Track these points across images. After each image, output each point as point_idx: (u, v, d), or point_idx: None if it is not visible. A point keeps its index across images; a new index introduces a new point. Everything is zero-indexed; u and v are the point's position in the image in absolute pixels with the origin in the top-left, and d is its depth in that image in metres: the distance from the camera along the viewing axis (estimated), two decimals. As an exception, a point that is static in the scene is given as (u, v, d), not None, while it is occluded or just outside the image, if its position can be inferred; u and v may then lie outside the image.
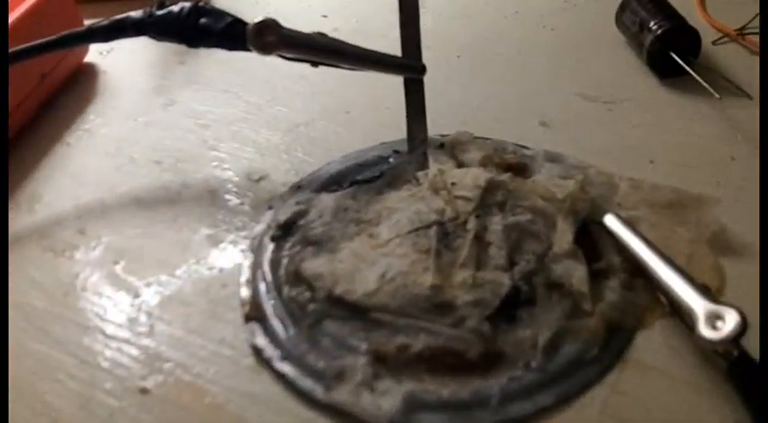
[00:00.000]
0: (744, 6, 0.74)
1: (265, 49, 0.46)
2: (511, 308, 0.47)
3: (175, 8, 0.52)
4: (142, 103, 0.71)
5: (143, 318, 0.51)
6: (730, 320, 0.41)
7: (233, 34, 0.50)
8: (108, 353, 0.49)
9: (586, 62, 0.71)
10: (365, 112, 0.67)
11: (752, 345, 0.42)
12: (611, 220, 0.51)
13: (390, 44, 0.56)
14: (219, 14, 0.52)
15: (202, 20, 0.51)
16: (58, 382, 0.47)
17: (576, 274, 0.47)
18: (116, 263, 0.55)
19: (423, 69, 0.57)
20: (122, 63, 0.77)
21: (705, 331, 0.42)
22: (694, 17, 0.74)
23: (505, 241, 0.49)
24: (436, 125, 0.60)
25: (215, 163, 0.63)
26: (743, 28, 0.72)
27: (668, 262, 0.47)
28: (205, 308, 0.51)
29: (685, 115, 0.64)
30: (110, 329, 0.50)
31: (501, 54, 0.74)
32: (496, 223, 0.49)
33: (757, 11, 0.73)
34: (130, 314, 0.51)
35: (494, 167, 0.55)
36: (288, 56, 0.49)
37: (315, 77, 0.56)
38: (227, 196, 0.59)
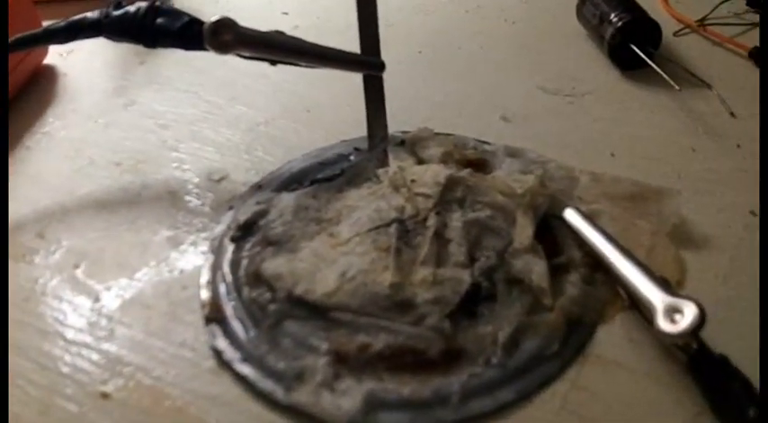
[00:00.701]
0: (704, -1, 0.75)
1: (222, 48, 0.45)
2: (471, 304, 0.46)
3: (132, 8, 0.51)
4: (102, 104, 0.71)
5: (103, 322, 0.50)
6: (689, 313, 0.41)
7: (190, 34, 0.50)
8: (68, 358, 0.48)
9: (548, 55, 0.72)
10: (326, 109, 0.67)
11: (712, 337, 0.43)
12: (570, 215, 0.51)
13: (351, 40, 0.56)
14: (176, 14, 0.51)
15: (159, 20, 0.51)
16: (18, 388, 0.46)
17: (535, 269, 0.47)
18: (76, 267, 0.54)
19: (382, 66, 0.57)
20: (82, 64, 0.77)
21: (664, 325, 0.42)
22: (656, 9, 0.75)
23: (465, 238, 0.49)
24: (398, 121, 0.60)
25: (175, 164, 0.62)
26: (703, 19, 0.73)
27: (627, 255, 0.47)
28: (165, 310, 0.50)
29: (646, 107, 0.64)
30: (70, 334, 0.50)
31: (463, 49, 0.74)
32: (456, 220, 0.49)
33: (718, 1, 0.74)
34: (90, 318, 0.50)
35: (454, 164, 0.55)
36: (246, 55, 0.49)
37: (276, 76, 0.56)
38: (188, 197, 0.59)
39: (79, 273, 0.54)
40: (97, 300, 0.52)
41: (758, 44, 0.68)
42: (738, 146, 0.59)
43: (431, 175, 0.52)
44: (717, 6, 0.74)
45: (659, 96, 0.64)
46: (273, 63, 0.52)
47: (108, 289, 0.52)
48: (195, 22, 0.50)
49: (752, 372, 0.42)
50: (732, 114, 0.62)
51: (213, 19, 0.44)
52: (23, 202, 0.60)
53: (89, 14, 0.53)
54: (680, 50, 0.70)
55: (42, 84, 0.75)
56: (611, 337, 0.46)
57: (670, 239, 0.51)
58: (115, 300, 0.52)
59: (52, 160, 0.64)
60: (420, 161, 0.57)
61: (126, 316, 0.50)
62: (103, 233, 0.57)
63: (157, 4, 0.51)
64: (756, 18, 0.73)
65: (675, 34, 0.72)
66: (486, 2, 0.80)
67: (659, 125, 0.62)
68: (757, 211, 0.53)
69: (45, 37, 0.56)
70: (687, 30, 0.73)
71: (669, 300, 0.42)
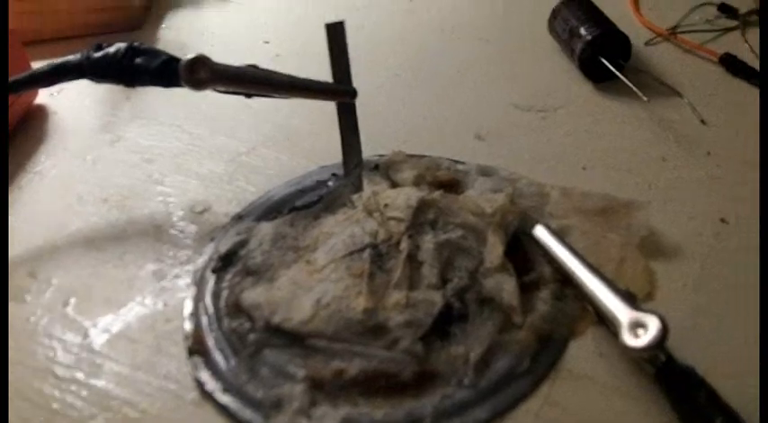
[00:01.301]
0: (676, 5, 0.76)
1: (198, 85, 0.46)
2: (444, 325, 0.48)
3: (111, 49, 0.53)
4: (90, 141, 0.72)
5: (92, 358, 0.52)
6: (652, 327, 0.42)
7: (167, 72, 0.51)
8: (58, 394, 0.50)
9: (522, 72, 0.73)
10: (306, 137, 0.68)
11: (682, 347, 0.44)
12: (540, 232, 0.52)
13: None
14: (154, 53, 0.52)
15: (137, 59, 0.52)
16: (10, 427, 0.48)
17: (506, 287, 0.48)
18: (66, 304, 0.56)
19: (354, 94, 0.58)
20: (72, 102, 0.78)
21: (628, 339, 0.43)
22: (628, 18, 0.76)
23: (437, 259, 0.50)
24: (377, 145, 0.61)
25: (160, 197, 0.64)
26: (675, 27, 0.74)
27: (594, 272, 0.48)
28: (151, 343, 0.52)
29: (618, 119, 0.65)
30: (60, 371, 0.51)
31: (439, 70, 0.75)
32: (428, 242, 0.50)
33: (689, 8, 0.75)
34: (80, 355, 0.52)
35: (426, 185, 0.56)
36: (221, 90, 0.50)
37: (257, 106, 0.57)
38: (172, 230, 0.60)
39: (69, 310, 0.55)
40: (86, 336, 0.53)
41: (728, 51, 0.69)
42: (709, 153, 0.60)
43: (403, 198, 0.53)
44: (688, 14, 0.74)
45: (631, 107, 0.65)
46: (249, 96, 0.54)
47: (96, 325, 0.54)
48: (172, 61, 0.51)
49: (722, 380, 0.43)
50: (702, 122, 0.62)
51: (188, 57, 0.46)
52: (16, 242, 0.61)
53: (71, 58, 0.54)
54: (652, 60, 0.70)
55: (34, 123, 0.76)
56: (582, 351, 0.47)
57: (640, 251, 0.52)
58: (103, 335, 0.53)
59: (43, 199, 0.66)
60: (394, 184, 0.58)
61: (113, 351, 0.52)
62: (92, 269, 0.58)
63: (135, 44, 0.53)
64: (728, 23, 0.74)
65: (647, 43, 0.73)
66: (462, 22, 0.81)
67: (630, 136, 0.63)
68: (727, 218, 0.54)
69: (30, 82, 0.58)
70: (659, 39, 0.73)
71: (633, 314, 0.44)
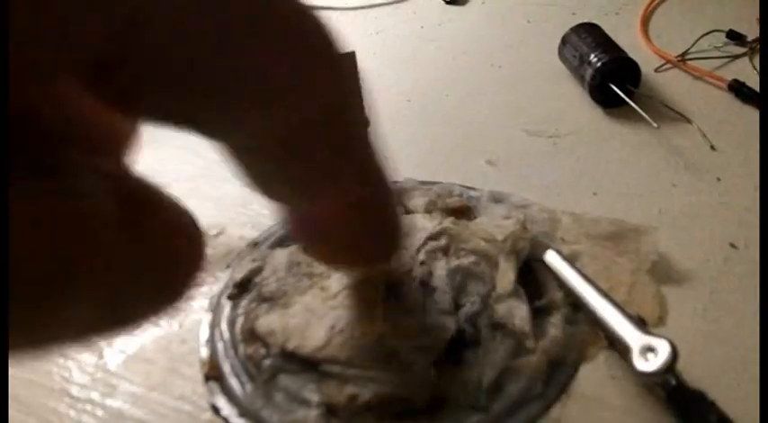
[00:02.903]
0: (686, 32, 0.77)
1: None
2: (456, 350, 0.48)
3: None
4: (105, 165, 0.73)
5: (106, 377, 0.52)
6: (662, 352, 0.43)
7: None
8: (73, 414, 0.50)
9: (532, 97, 0.73)
10: (319, 161, 0.68)
11: (693, 371, 0.44)
12: (551, 257, 0.52)
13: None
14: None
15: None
16: (26, 448, 0.49)
17: (517, 313, 0.49)
18: (81, 325, 0.56)
19: (366, 123, 0.59)
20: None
21: (639, 364, 0.43)
22: (638, 45, 0.76)
23: (450, 285, 0.50)
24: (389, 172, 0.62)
25: (174, 221, 0.64)
26: (684, 53, 0.74)
27: (604, 296, 0.48)
28: (165, 365, 0.52)
29: (628, 144, 0.65)
30: (75, 391, 0.52)
31: (450, 96, 0.76)
32: (441, 268, 0.51)
33: (699, 35, 0.76)
34: (95, 375, 0.53)
35: (438, 212, 0.57)
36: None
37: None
38: (187, 254, 0.61)
39: (84, 331, 0.56)
40: (101, 357, 0.54)
41: (737, 78, 0.69)
42: (719, 179, 0.60)
43: (415, 226, 0.54)
44: (697, 40, 0.75)
45: (641, 133, 0.66)
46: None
47: (111, 345, 0.54)
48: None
49: (732, 405, 0.43)
50: (712, 148, 0.63)
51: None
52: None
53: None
54: (661, 86, 0.71)
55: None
56: (594, 375, 0.48)
57: (650, 276, 0.52)
58: (118, 355, 0.54)
59: (58, 222, 0.67)
60: (406, 211, 0.58)
61: (128, 371, 0.53)
62: (108, 291, 0.59)
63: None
64: (736, 50, 0.75)
65: (657, 70, 0.74)
66: (472, 48, 0.82)
67: (640, 162, 0.63)
68: (737, 243, 0.55)
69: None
70: (668, 65, 0.74)
71: (644, 339, 0.44)
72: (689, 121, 0.65)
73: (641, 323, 0.46)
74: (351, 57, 0.58)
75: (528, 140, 0.68)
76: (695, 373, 0.45)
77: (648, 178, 0.62)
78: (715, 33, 0.76)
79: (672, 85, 0.72)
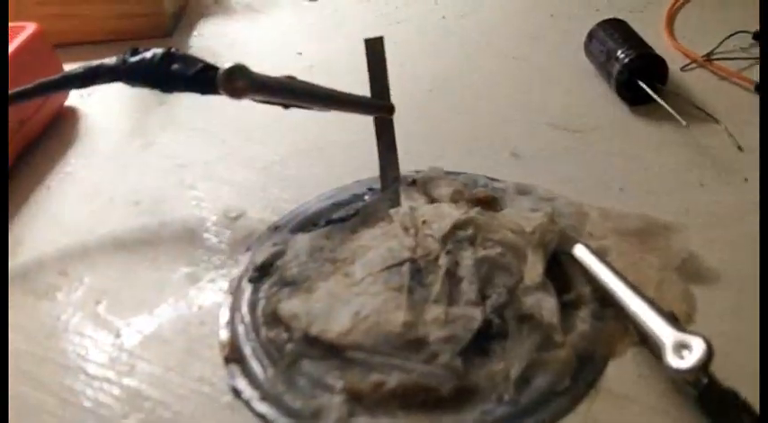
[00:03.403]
0: (712, 32, 0.76)
1: (236, 93, 0.46)
2: (483, 341, 0.47)
3: (148, 54, 0.53)
4: (122, 145, 0.72)
5: (124, 357, 0.51)
6: (697, 349, 0.42)
7: (204, 80, 0.51)
8: (90, 392, 0.49)
9: (556, 92, 0.73)
10: (339, 148, 0.68)
11: (722, 371, 0.43)
12: (580, 251, 0.52)
13: (364, 79, 0.57)
14: (191, 60, 0.52)
15: (174, 66, 0.52)
16: (41, 423, 0.48)
17: (546, 305, 0.48)
18: (97, 303, 0.55)
19: (391, 109, 0.58)
20: (103, 105, 0.78)
21: (672, 361, 0.42)
22: (662, 44, 0.76)
23: (476, 276, 0.49)
24: (410, 160, 0.61)
25: (193, 202, 0.64)
26: (710, 53, 0.74)
27: (636, 292, 0.47)
28: (184, 346, 0.52)
29: (654, 142, 0.65)
30: (91, 369, 0.51)
31: (472, 87, 0.75)
32: (467, 258, 0.50)
33: (724, 36, 0.75)
34: (112, 354, 0.52)
35: (464, 202, 0.56)
36: (259, 99, 0.50)
37: (289, 116, 0.57)
38: (206, 235, 0.60)
39: (100, 309, 0.55)
40: (118, 335, 0.53)
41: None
42: (746, 179, 0.60)
43: (441, 214, 0.53)
44: (723, 41, 0.74)
45: (667, 131, 0.65)
46: (286, 107, 0.53)
47: (128, 325, 0.54)
48: (210, 68, 0.51)
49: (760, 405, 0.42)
50: (739, 148, 0.62)
51: (227, 65, 0.46)
52: (46, 241, 0.62)
53: (107, 61, 0.54)
54: (687, 85, 0.70)
55: (64, 125, 0.76)
56: (622, 371, 0.47)
57: (678, 274, 0.51)
58: (135, 335, 0.53)
59: (73, 200, 0.66)
60: (432, 200, 0.58)
61: (146, 351, 0.52)
62: (123, 271, 0.58)
63: (173, 50, 0.53)
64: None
65: (682, 69, 0.73)
66: (495, 40, 0.82)
67: (667, 160, 0.63)
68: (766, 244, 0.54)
69: (63, 83, 0.57)
70: (694, 65, 0.73)
71: (677, 336, 0.43)
72: (716, 120, 0.64)
73: (674, 320, 0.45)
74: (378, 42, 0.57)
75: (552, 134, 0.67)
76: (722, 374, 0.44)
77: (676, 177, 0.61)
78: (741, 34, 0.76)
79: (698, 84, 0.71)
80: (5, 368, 0.48)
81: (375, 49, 0.57)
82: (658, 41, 0.74)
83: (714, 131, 0.64)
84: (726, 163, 0.61)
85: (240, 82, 0.46)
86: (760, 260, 0.52)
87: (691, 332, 0.43)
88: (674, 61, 0.73)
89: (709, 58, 0.74)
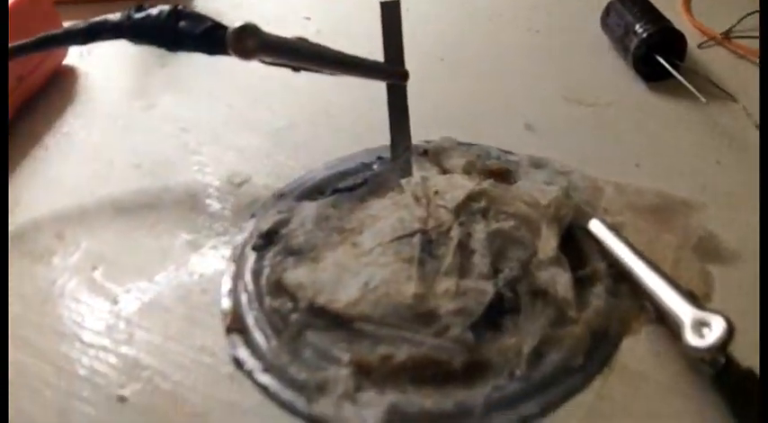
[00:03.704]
0: (729, 9, 0.75)
1: (245, 54, 0.44)
2: (495, 316, 0.46)
3: (154, 11, 0.51)
4: (122, 106, 0.71)
5: (121, 325, 0.50)
6: (717, 328, 0.41)
7: (212, 39, 0.49)
8: (86, 361, 0.48)
9: (571, 65, 0.71)
10: (348, 114, 0.67)
11: (739, 351, 0.42)
12: (596, 226, 0.50)
13: (373, 45, 0.56)
14: (199, 18, 0.50)
15: (181, 23, 0.50)
16: (34, 391, 0.46)
17: (560, 280, 0.47)
18: (94, 268, 0.54)
19: (405, 76, 0.56)
20: (103, 65, 0.77)
21: (691, 339, 0.41)
22: (680, 20, 0.74)
23: (489, 248, 0.48)
24: (421, 130, 0.59)
25: (196, 167, 0.62)
26: (728, 31, 0.72)
27: (654, 268, 0.46)
28: (185, 314, 0.50)
29: (671, 119, 0.63)
30: (88, 337, 0.49)
31: (485, 57, 0.73)
32: (480, 231, 0.49)
33: (743, 14, 0.73)
34: (109, 321, 0.50)
35: (477, 174, 0.55)
36: (268, 61, 0.48)
37: (297, 80, 0.55)
38: (208, 201, 0.58)
39: (97, 275, 0.54)
40: (115, 302, 0.51)
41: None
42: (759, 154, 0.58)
43: (454, 185, 0.52)
44: (742, 19, 0.73)
45: (684, 108, 0.64)
46: (296, 70, 0.52)
47: (127, 292, 0.52)
48: (218, 27, 0.50)
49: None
50: (758, 127, 0.61)
51: (237, 24, 0.44)
52: (42, 201, 0.60)
53: (110, 17, 0.52)
54: (704, 63, 0.69)
55: (62, 84, 0.74)
56: (637, 349, 0.46)
57: (695, 253, 0.50)
58: (134, 303, 0.51)
59: (71, 161, 0.64)
60: (443, 171, 0.56)
61: (144, 319, 0.50)
62: (122, 235, 0.56)
63: (180, 7, 0.51)
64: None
65: (700, 46, 0.71)
66: (509, 11, 0.80)
67: (684, 137, 0.61)
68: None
69: (65, 38, 0.56)
70: (711, 42, 0.72)
71: (697, 314, 0.42)
72: (734, 99, 0.63)
73: (693, 297, 0.44)
74: (395, 5, 0.55)
75: (567, 107, 0.65)
76: (740, 354, 0.43)
77: (692, 154, 0.59)
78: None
79: (715, 62, 0.69)
80: (5, 367, 0.47)
81: (391, 13, 0.55)
82: (676, 18, 0.72)
83: (731, 110, 0.63)
84: (743, 141, 0.60)
85: (250, 42, 0.44)
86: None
87: (710, 310, 0.42)
88: (692, 38, 0.71)
89: (727, 35, 0.72)
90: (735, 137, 0.61)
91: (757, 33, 0.72)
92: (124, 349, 0.48)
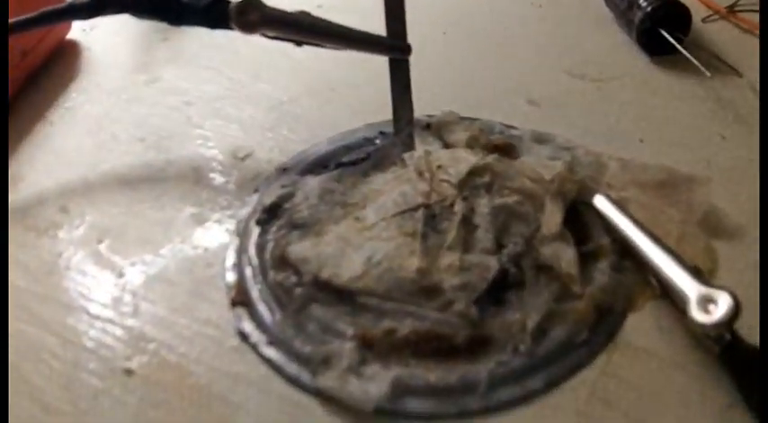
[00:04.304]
0: (734, -17, 0.74)
1: (248, 28, 0.44)
2: (499, 291, 0.46)
3: (157, -15, 0.51)
4: (125, 80, 0.70)
5: (127, 297, 0.50)
6: (723, 304, 0.41)
7: (215, 12, 0.49)
8: (92, 333, 0.48)
9: (575, 39, 0.71)
10: (350, 88, 0.66)
11: (744, 327, 0.42)
12: (600, 201, 0.50)
13: (374, 20, 0.55)
14: (201, -9, 0.50)
15: (184, -3, 0.50)
16: (41, 362, 0.47)
17: (564, 256, 0.47)
18: (100, 242, 0.54)
19: (408, 50, 0.56)
20: (105, 39, 0.76)
21: (697, 315, 0.41)
22: (684, -7, 0.73)
23: (493, 223, 0.48)
24: (423, 104, 0.59)
25: (199, 141, 0.62)
26: (733, 5, 0.72)
27: (659, 244, 0.46)
28: (190, 287, 0.50)
29: (675, 94, 0.63)
30: (94, 309, 0.50)
31: (488, 30, 0.73)
32: (483, 205, 0.49)
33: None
34: (114, 294, 0.50)
35: (480, 148, 0.54)
36: (271, 35, 0.48)
37: (299, 54, 0.55)
38: (212, 174, 0.58)
39: (103, 248, 0.54)
40: (121, 275, 0.52)
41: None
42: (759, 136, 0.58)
43: (457, 159, 0.52)
44: (746, -8, 0.73)
45: (688, 83, 0.64)
46: (299, 44, 0.52)
47: (132, 265, 0.52)
48: (221, 1, 0.49)
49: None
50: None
51: (240, -2, 0.44)
52: (46, 176, 0.60)
53: (114, -10, 0.52)
54: (709, 37, 0.69)
55: (65, 59, 0.74)
56: (641, 325, 0.46)
57: (700, 228, 0.50)
58: (139, 276, 0.51)
59: (75, 135, 0.64)
60: (446, 145, 0.56)
61: (150, 292, 0.50)
62: (127, 209, 0.56)
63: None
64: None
65: (704, 20, 0.71)
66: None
67: (688, 112, 0.61)
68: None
69: (69, 12, 0.55)
70: (716, 16, 0.72)
71: (703, 289, 0.42)
72: (738, 73, 0.63)
73: (699, 273, 0.44)
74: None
75: (571, 82, 0.65)
76: (745, 330, 0.43)
77: (696, 129, 0.59)
78: (765, -14, 0.74)
79: (720, 36, 0.69)
80: (5, 368, 0.47)
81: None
82: (680, -9, 0.72)
83: (736, 84, 0.63)
84: (748, 116, 0.60)
85: (253, 16, 0.44)
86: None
87: (717, 286, 0.42)
88: (697, 12, 0.71)
89: (732, 9, 0.72)
90: (739, 111, 0.61)
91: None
92: (130, 322, 0.49)
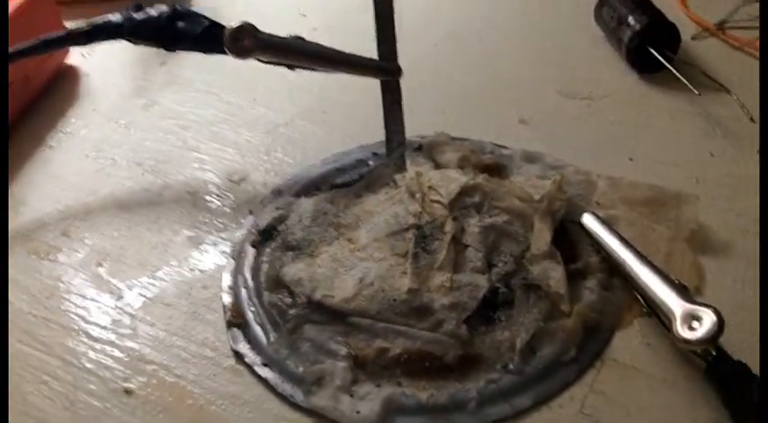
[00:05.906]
0: (723, 2, 0.74)
1: (242, 53, 0.45)
2: (489, 310, 0.47)
3: (153, 12, 0.52)
4: (123, 105, 0.71)
5: (126, 320, 0.51)
6: (707, 321, 0.41)
7: (210, 38, 0.50)
8: (92, 354, 0.49)
9: (565, 58, 0.72)
10: (343, 111, 0.67)
11: (731, 344, 0.43)
12: (588, 220, 0.51)
13: (368, 41, 0.56)
14: (197, 18, 0.51)
15: (179, 23, 0.51)
16: (42, 384, 0.48)
17: (553, 274, 0.47)
18: (99, 265, 0.55)
19: (398, 72, 0.57)
20: (104, 64, 0.77)
21: (682, 331, 0.42)
22: (674, 11, 0.74)
23: (483, 243, 0.49)
24: (415, 125, 0.60)
25: (196, 164, 0.63)
26: (722, 22, 0.72)
27: (645, 262, 0.47)
28: (187, 309, 0.51)
29: (664, 111, 0.64)
30: (94, 331, 0.51)
31: (479, 44, 0.74)
32: (474, 225, 0.49)
33: (736, 5, 0.73)
34: (114, 316, 0.52)
35: (471, 169, 0.55)
36: (264, 60, 0.49)
37: (293, 77, 0.56)
38: (208, 198, 0.59)
39: (102, 271, 0.55)
40: (120, 298, 0.53)
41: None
42: (758, 151, 0.59)
43: (448, 180, 0.52)
44: (736, 10, 0.73)
45: (677, 100, 0.64)
46: (292, 68, 0.53)
47: (130, 287, 0.53)
48: (216, 27, 0.50)
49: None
50: (752, 119, 0.61)
51: (234, 24, 0.45)
52: (46, 200, 0.61)
53: (111, 17, 0.53)
54: (698, 54, 0.69)
55: (64, 84, 0.75)
56: (629, 342, 0.46)
57: (688, 245, 0.51)
58: (138, 298, 0.53)
59: (74, 160, 0.65)
60: (438, 166, 0.57)
61: (148, 314, 0.51)
62: (125, 232, 0.57)
63: (177, 7, 0.52)
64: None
65: (693, 38, 0.72)
66: (504, 3, 0.80)
67: (677, 129, 0.62)
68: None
69: (67, 39, 0.56)
70: (706, 33, 0.72)
71: (687, 307, 0.43)
72: (727, 91, 0.63)
73: (684, 290, 0.45)
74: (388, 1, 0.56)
75: (561, 101, 0.66)
76: (732, 346, 0.43)
77: (686, 146, 0.60)
78: (754, 4, 0.74)
79: (709, 53, 0.70)
80: (5, 364, 0.48)
81: (383, 4, 0.55)
82: (670, 9, 0.72)
83: (726, 102, 0.63)
84: (737, 134, 0.60)
85: (247, 41, 0.45)
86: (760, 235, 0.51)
87: (701, 303, 0.43)
88: (686, 30, 0.71)
89: (721, 26, 0.72)
90: (728, 128, 0.61)
91: (752, 24, 0.73)
92: (129, 343, 0.50)
